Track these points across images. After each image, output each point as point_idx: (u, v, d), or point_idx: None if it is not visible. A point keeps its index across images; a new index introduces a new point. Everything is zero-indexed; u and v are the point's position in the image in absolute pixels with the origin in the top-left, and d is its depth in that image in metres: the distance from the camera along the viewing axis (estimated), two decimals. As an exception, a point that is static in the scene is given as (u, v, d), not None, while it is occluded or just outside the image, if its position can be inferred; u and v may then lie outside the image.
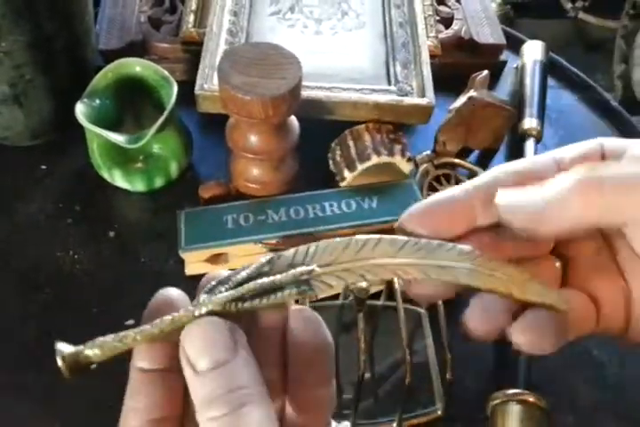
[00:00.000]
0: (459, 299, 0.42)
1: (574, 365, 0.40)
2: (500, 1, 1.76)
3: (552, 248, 0.22)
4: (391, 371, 0.38)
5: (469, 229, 0.21)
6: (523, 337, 0.20)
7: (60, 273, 0.42)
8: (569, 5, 1.78)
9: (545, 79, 0.55)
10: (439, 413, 0.37)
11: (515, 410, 0.35)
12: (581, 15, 1.78)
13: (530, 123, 0.50)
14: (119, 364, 0.19)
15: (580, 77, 0.60)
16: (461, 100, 0.45)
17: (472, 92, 0.45)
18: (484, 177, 0.22)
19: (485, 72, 0.46)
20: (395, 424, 0.36)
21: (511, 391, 0.35)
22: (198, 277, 0.41)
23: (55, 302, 0.41)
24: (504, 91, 0.58)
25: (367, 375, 0.37)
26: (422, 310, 0.41)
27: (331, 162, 0.45)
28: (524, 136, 0.50)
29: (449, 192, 0.22)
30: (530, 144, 0.49)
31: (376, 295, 0.40)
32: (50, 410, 0.36)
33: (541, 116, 0.51)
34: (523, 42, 0.61)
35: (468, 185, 0.22)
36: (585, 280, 0.22)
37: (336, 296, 0.40)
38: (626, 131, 0.56)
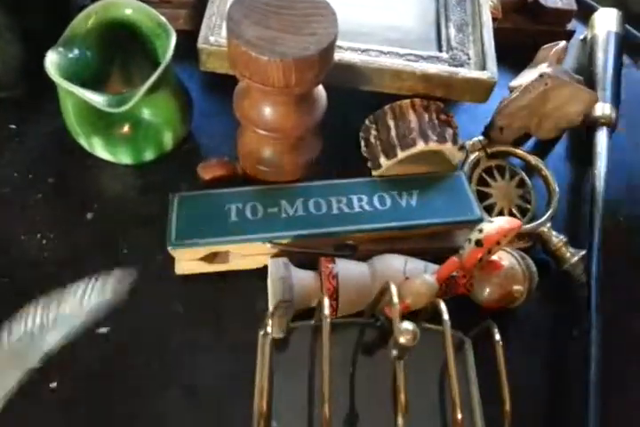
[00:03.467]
0: (508, 328, 0.34)
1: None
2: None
3: None
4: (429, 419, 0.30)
5: None
6: None
7: (23, 261, 0.34)
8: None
9: (620, 55, 0.46)
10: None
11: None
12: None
13: (602, 109, 0.41)
14: None
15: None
16: (528, 76, 0.36)
17: (545, 68, 0.35)
18: None
19: (563, 43, 0.37)
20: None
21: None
22: (191, 278, 0.34)
23: (13, 297, 0.33)
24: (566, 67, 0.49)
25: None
26: (465, 337, 0.33)
27: (363, 144, 0.36)
28: (594, 125, 0.41)
29: None
30: (602, 135, 0.40)
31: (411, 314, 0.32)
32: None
33: (616, 101, 0.42)
34: (594, 9, 0.51)
35: None
36: None
37: (360, 313, 0.32)
38: None
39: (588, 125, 0.41)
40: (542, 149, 0.42)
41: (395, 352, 0.23)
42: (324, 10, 0.29)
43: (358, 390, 0.31)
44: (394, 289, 0.26)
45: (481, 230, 0.29)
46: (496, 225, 0.29)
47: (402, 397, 0.23)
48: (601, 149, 0.39)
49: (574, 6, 0.47)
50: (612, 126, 0.41)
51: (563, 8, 0.47)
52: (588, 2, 0.53)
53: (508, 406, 0.26)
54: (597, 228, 0.35)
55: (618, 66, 0.45)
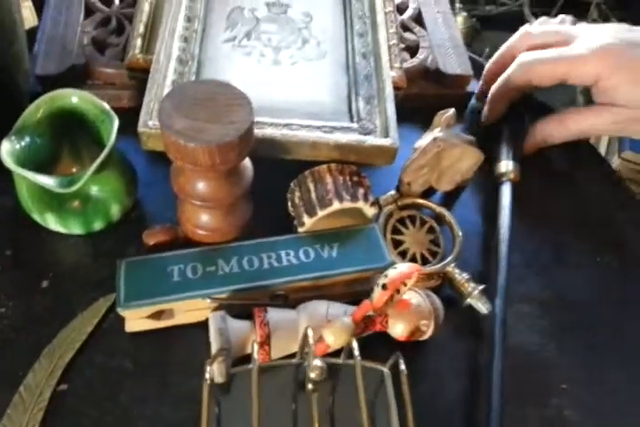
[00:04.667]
0: (423, 358, 0.40)
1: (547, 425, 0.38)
2: (465, 14, 1.77)
3: None
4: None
5: None
6: None
7: (-17, 330, 0.38)
8: (532, 20, 1.81)
9: (523, 116, 0.53)
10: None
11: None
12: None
13: (506, 166, 0.47)
14: None
15: (548, 108, 0.59)
16: (426, 139, 0.43)
17: (437, 133, 0.42)
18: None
19: (452, 110, 0.44)
20: None
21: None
22: (140, 335, 0.38)
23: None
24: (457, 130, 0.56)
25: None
26: (385, 370, 0.38)
27: (290, 204, 0.42)
28: (499, 179, 0.48)
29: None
30: (506, 189, 0.47)
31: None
32: None
33: (518, 157, 0.49)
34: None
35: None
36: None
37: (293, 355, 0.37)
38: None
39: (495, 180, 0.48)
40: (451, 198, 0.49)
41: (309, 386, 0.28)
42: (241, 100, 0.35)
43: (300, 424, 0.35)
44: (310, 333, 0.31)
45: (386, 276, 0.35)
46: (398, 270, 0.35)
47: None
48: (505, 202, 0.45)
49: (470, 72, 0.55)
50: (515, 180, 0.47)
51: (460, 73, 0.55)
52: (482, 63, 0.61)
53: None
54: (502, 269, 0.41)
55: (519, 123, 0.52)
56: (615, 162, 1.37)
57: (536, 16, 1.83)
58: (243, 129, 0.34)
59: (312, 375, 0.27)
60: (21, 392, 0.35)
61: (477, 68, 0.59)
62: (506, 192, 0.47)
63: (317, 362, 0.28)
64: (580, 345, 0.42)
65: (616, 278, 0.46)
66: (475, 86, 0.58)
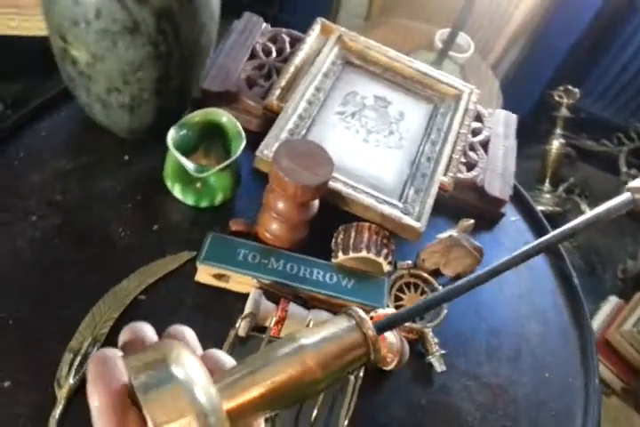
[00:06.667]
0: (383, 381, 0.57)
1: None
2: (563, 141, 1.88)
3: None
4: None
5: None
6: None
7: (109, 240, 0.58)
8: (624, 169, 1.94)
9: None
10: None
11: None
12: (631, 182, 1.94)
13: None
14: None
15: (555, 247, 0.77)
16: (446, 234, 0.62)
17: (454, 232, 0.61)
18: None
19: (471, 221, 0.63)
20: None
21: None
22: (202, 285, 0.57)
23: (99, 259, 0.57)
24: (496, 239, 0.74)
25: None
26: (351, 378, 0.55)
27: (333, 241, 0.61)
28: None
29: None
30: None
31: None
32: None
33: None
34: (527, 203, 0.79)
35: None
36: None
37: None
38: (576, 308, 0.72)
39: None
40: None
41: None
42: (328, 161, 0.55)
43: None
44: (311, 324, 0.49)
45: (376, 311, 0.53)
46: (383, 311, 0.53)
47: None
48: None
49: (507, 198, 0.73)
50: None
51: (499, 197, 0.74)
52: (525, 196, 0.80)
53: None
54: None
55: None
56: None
57: (629, 165, 1.95)
58: (322, 181, 0.53)
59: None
60: (116, 290, 0.54)
61: (517, 197, 0.78)
62: None
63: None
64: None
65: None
66: (510, 209, 0.76)
